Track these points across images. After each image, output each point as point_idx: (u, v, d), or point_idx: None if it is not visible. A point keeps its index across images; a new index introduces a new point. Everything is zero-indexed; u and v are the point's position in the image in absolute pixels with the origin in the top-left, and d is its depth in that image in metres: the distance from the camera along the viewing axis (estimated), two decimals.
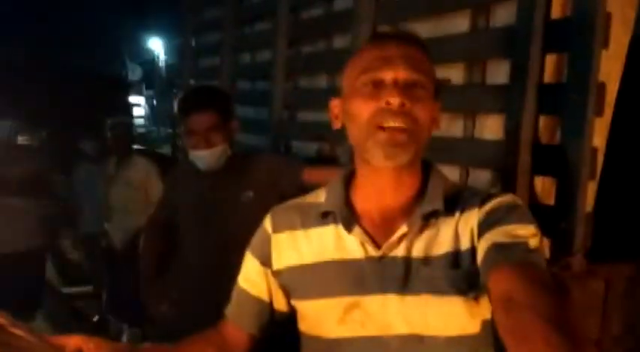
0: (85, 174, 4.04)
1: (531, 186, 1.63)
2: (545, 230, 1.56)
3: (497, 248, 0.89)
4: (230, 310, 1.15)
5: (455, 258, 0.95)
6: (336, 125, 1.04)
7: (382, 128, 0.93)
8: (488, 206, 0.95)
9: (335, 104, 1.04)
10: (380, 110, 0.93)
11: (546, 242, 1.59)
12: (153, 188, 3.45)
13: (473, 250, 0.94)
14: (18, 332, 0.90)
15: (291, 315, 1.10)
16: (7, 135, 3.36)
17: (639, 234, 1.72)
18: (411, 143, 0.93)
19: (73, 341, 0.95)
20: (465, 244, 0.95)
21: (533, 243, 0.89)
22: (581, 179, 1.48)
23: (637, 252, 1.71)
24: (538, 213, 1.60)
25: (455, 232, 0.96)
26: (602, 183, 1.57)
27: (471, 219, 0.95)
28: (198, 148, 1.98)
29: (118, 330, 3.64)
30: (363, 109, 0.94)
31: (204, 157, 1.99)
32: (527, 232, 0.90)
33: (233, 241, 1.90)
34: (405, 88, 0.93)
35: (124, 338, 3.59)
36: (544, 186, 1.62)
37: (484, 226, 0.92)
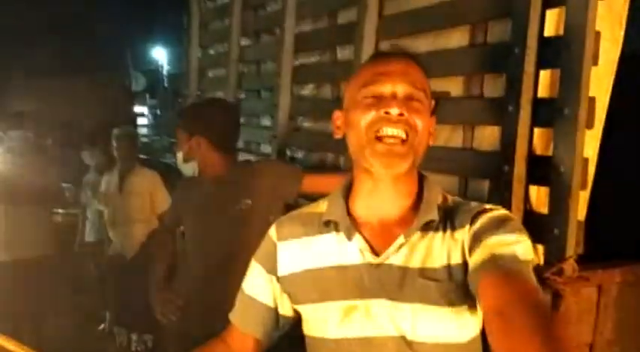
0: (90, 184, 4.08)
1: (526, 195, 1.69)
2: (539, 237, 1.65)
3: (487, 256, 0.93)
4: (235, 316, 1.21)
5: (448, 271, 1.01)
6: (338, 135, 1.11)
7: (380, 138, 0.99)
8: (478, 223, 1.00)
9: (337, 115, 1.11)
10: (379, 118, 1.00)
11: (540, 248, 1.66)
12: (158, 198, 3.50)
13: (464, 265, 1.00)
14: None
15: (296, 320, 1.16)
16: (21, 145, 3.43)
17: (629, 241, 1.79)
18: (408, 153, 1.00)
19: None
20: (455, 259, 1.01)
21: (521, 252, 0.93)
22: (573, 188, 1.54)
23: (627, 257, 1.78)
24: (533, 221, 1.69)
25: (447, 246, 1.02)
26: (594, 192, 1.64)
27: (461, 235, 1.01)
28: None
29: (127, 339, 3.66)
30: (362, 118, 1.01)
31: None
32: (515, 241, 0.95)
33: (233, 247, 1.99)
34: (403, 100, 1.00)
35: (133, 348, 3.63)
36: (538, 195, 1.69)
37: (474, 241, 0.98)
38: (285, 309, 1.16)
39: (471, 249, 0.98)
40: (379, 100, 1.01)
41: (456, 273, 1.01)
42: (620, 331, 1.78)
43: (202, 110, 2.33)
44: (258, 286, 1.17)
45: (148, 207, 3.54)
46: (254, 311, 1.18)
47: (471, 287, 0.96)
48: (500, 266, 0.91)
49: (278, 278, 1.14)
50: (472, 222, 1.01)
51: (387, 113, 0.99)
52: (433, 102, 1.95)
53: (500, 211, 1.03)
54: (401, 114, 0.99)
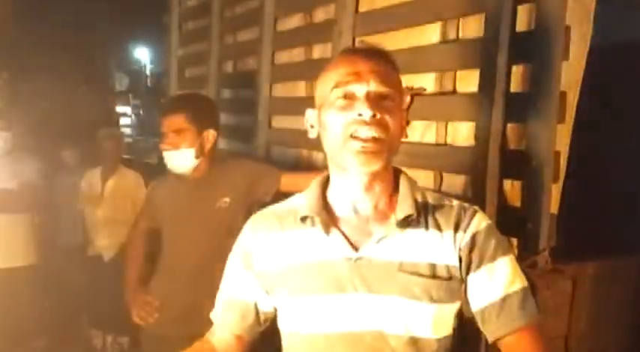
0: (64, 185, 4.00)
1: (500, 189, 1.71)
2: (513, 230, 1.66)
3: (499, 307, 1.02)
4: (216, 314, 1.21)
5: (431, 268, 1.03)
6: (312, 134, 1.11)
7: (355, 138, 1.00)
8: (469, 230, 1.04)
9: (310, 114, 1.11)
10: (353, 121, 1.00)
11: (514, 241, 1.67)
12: (139, 199, 3.46)
13: (454, 268, 1.03)
14: None
15: (276, 315, 1.16)
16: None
17: (602, 234, 1.81)
18: (383, 151, 1.01)
19: None
20: (442, 258, 1.03)
21: (524, 290, 1.04)
22: (545, 181, 1.56)
23: (600, 251, 1.80)
24: (506, 214, 1.70)
25: (429, 242, 1.04)
26: (566, 185, 1.65)
27: (449, 237, 1.04)
28: (164, 149, 2.07)
29: (102, 341, 3.62)
30: (336, 121, 1.02)
31: (166, 158, 2.08)
32: (520, 279, 1.04)
33: (210, 246, 1.96)
34: (375, 100, 1.00)
35: (109, 350, 3.59)
36: (512, 189, 1.70)
37: (473, 256, 1.04)
38: (265, 305, 1.16)
39: (471, 265, 1.04)
40: (352, 101, 1.01)
41: (441, 272, 1.03)
42: (594, 323, 1.80)
43: (209, 102, 2.27)
44: (236, 283, 1.17)
45: (129, 208, 3.51)
46: (234, 309, 1.18)
47: (479, 321, 1.05)
48: (515, 322, 1.02)
49: (255, 274, 1.14)
50: (458, 224, 1.05)
51: (360, 115, 1.00)
52: (408, 98, 1.96)
53: (482, 217, 1.08)
54: (374, 116, 0.99)
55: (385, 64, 1.05)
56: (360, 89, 1.01)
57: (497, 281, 1.03)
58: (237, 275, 1.17)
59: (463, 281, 1.05)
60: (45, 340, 3.42)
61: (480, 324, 1.06)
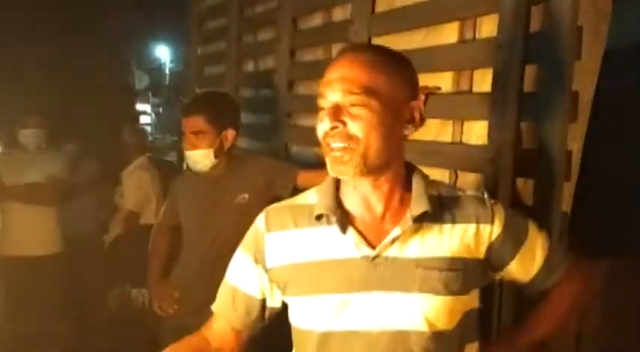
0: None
1: (513, 187, 1.72)
2: None
3: (547, 268, 1.17)
4: (218, 306, 1.21)
5: (448, 261, 1.04)
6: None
7: (331, 148, 1.04)
8: (497, 223, 1.10)
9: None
10: (325, 133, 1.05)
11: None
12: (142, 195, 3.60)
13: (472, 259, 1.07)
14: None
15: (281, 311, 1.17)
16: (35, 143, 3.49)
17: (614, 233, 1.82)
18: (353, 159, 1.02)
19: None
20: (458, 251, 1.05)
21: (551, 242, 1.20)
22: (557, 180, 1.57)
23: (612, 250, 1.81)
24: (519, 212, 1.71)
25: (445, 236, 1.05)
26: (580, 184, 1.66)
27: (471, 230, 1.08)
28: (185, 149, 2.14)
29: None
30: (318, 130, 1.07)
31: (187, 157, 2.16)
32: (543, 236, 1.18)
33: (229, 241, 2.01)
34: (340, 111, 1.02)
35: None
36: (524, 187, 1.72)
37: (507, 246, 1.12)
38: (274, 300, 1.17)
39: (508, 255, 1.13)
40: (323, 112, 1.05)
41: (457, 264, 1.05)
42: (606, 322, 1.81)
43: (229, 100, 2.33)
44: (245, 276, 1.18)
45: (129, 203, 3.65)
46: (239, 303, 1.19)
47: (531, 290, 1.20)
48: (557, 274, 1.19)
49: (266, 270, 1.15)
50: (481, 219, 1.09)
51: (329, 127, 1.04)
52: (423, 97, 1.98)
53: (501, 204, 1.16)
54: (333, 128, 1.02)
55: (360, 67, 1.03)
56: (327, 101, 1.04)
57: (537, 253, 1.15)
58: (246, 269, 1.17)
59: (486, 270, 1.12)
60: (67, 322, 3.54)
61: (529, 288, 1.20)
